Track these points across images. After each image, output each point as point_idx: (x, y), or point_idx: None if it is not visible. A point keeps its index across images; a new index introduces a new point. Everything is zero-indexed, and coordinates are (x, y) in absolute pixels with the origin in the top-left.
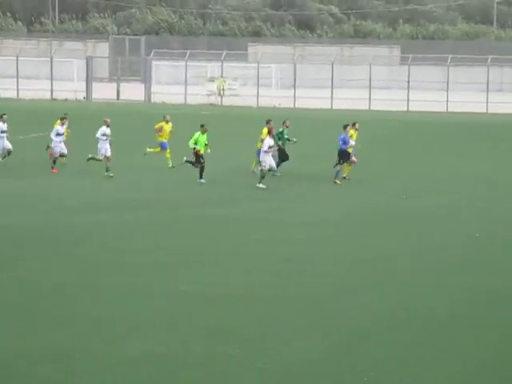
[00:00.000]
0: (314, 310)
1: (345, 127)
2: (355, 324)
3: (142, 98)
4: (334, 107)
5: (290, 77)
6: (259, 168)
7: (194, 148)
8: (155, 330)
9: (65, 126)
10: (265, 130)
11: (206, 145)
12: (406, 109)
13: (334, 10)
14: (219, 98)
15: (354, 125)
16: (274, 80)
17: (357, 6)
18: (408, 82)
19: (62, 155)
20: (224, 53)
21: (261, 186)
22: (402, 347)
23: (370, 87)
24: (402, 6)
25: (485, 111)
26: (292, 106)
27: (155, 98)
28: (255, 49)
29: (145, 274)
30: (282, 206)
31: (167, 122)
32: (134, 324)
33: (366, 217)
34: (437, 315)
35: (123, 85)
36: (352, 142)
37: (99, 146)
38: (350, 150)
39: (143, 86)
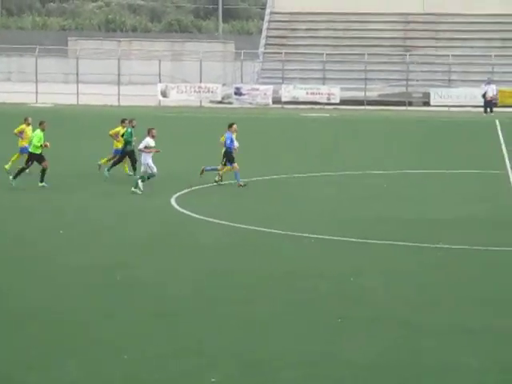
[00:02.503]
0: None
1: (230, 126)
2: None
3: None
4: None
5: None
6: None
7: (41, 145)
8: None
9: None
10: (118, 129)
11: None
12: None
13: None
14: None
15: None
16: None
17: None
18: None
19: None
20: None
21: (138, 191)
22: None
23: None
24: None
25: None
26: None
27: None
28: None
29: None
30: None
31: (28, 124)
32: None
33: None
34: None
35: None
36: (236, 144)
37: None
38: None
39: None
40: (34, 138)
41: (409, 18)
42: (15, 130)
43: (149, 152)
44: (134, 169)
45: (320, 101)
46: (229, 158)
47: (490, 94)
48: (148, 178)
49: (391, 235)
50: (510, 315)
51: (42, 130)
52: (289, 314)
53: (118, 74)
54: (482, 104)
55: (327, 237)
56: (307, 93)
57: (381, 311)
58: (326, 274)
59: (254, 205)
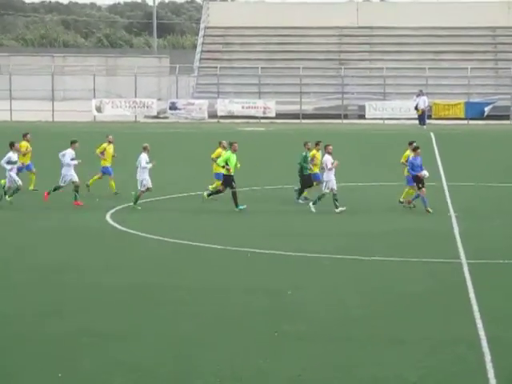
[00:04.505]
0: None
1: (415, 149)
2: None
3: None
4: None
5: None
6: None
7: (224, 167)
8: None
9: None
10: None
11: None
12: None
13: None
14: None
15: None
16: None
17: None
18: None
19: None
20: None
21: (313, 208)
22: None
23: None
24: None
25: None
26: None
27: None
28: None
29: None
30: None
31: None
32: None
33: None
34: None
35: None
36: (425, 173)
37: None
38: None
39: None
40: (221, 158)
41: (343, 31)
42: (212, 155)
43: (333, 167)
44: (299, 193)
45: (256, 115)
46: (418, 181)
47: (421, 106)
48: (319, 199)
49: (328, 248)
50: (448, 326)
51: (234, 151)
52: (221, 329)
53: (52, 90)
54: (416, 116)
55: (264, 251)
56: (243, 107)
57: (317, 326)
58: (262, 288)
59: (190, 220)
